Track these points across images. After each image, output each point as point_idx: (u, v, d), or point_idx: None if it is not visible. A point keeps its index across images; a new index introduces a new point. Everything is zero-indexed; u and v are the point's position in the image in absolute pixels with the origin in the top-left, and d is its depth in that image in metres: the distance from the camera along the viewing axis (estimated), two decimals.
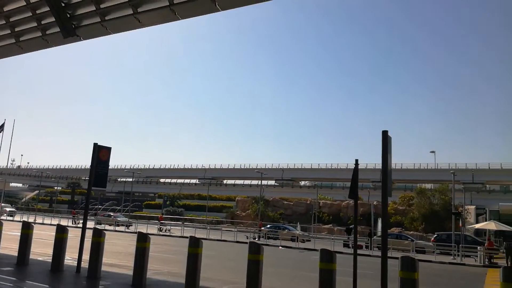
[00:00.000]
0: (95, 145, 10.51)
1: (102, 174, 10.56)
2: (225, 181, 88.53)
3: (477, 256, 24.52)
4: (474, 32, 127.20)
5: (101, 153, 10.52)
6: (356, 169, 6.97)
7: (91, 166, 10.36)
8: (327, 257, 6.82)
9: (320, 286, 6.91)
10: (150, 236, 9.38)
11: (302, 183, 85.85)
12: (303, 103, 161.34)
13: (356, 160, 6.96)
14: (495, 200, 54.77)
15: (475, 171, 64.06)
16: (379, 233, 39.31)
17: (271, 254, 21.16)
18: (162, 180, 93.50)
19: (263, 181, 61.17)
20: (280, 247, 27.11)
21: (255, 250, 7.63)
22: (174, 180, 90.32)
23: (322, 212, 57.59)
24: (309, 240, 33.79)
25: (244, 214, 60.81)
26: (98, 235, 9.58)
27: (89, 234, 9.69)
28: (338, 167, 77.58)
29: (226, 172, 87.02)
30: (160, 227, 36.63)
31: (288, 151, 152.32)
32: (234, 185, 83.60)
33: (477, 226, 33.09)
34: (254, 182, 78.78)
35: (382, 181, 6.12)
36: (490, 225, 29.24)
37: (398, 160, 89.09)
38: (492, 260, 23.12)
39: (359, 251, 25.75)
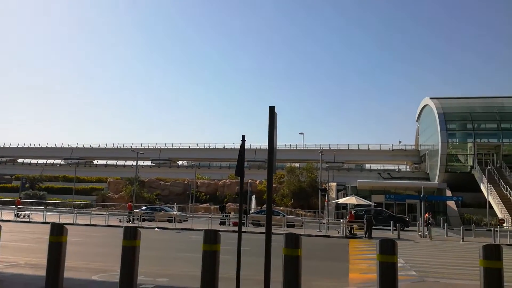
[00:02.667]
0: None
1: None
2: (95, 162, 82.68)
3: (340, 228, 27.02)
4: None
5: None
6: (242, 146, 6.70)
7: None
8: (211, 238, 6.47)
9: (203, 266, 6.54)
10: (4, 223, 7.91)
11: (180, 163, 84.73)
12: (179, 81, 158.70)
13: (243, 136, 6.69)
14: (353, 177, 61.19)
15: (337, 151, 70.49)
16: (253, 210, 40.88)
17: (147, 236, 20.26)
18: (20, 160, 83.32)
19: (139, 162, 58.61)
20: (156, 229, 26.24)
21: (131, 235, 6.90)
22: (35, 161, 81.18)
23: (200, 191, 57.70)
24: (187, 220, 33.50)
25: (117, 197, 57.71)
26: None
27: None
28: (216, 147, 78.29)
29: (97, 152, 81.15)
30: (18, 213, 32.58)
31: (166, 131, 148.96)
32: (106, 165, 78.51)
33: (340, 200, 36.43)
34: (129, 162, 75.11)
35: (268, 158, 5.96)
36: (351, 200, 32.45)
37: None
38: (352, 231, 25.67)
39: (233, 228, 26.43)
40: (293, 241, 6.05)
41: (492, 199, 43.60)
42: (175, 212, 35.09)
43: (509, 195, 43.66)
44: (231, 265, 9.37)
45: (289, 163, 66.35)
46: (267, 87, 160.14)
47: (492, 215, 41.71)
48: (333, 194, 50.09)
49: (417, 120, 70.48)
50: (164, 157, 78.76)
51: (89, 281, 8.46)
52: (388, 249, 5.80)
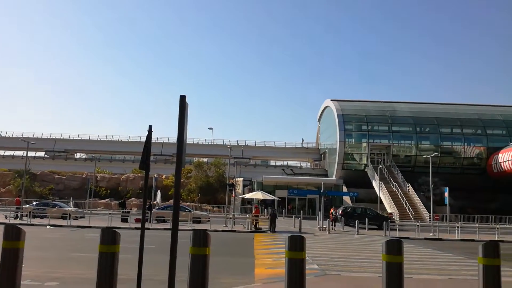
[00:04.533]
0: None
1: None
2: None
3: (245, 223, 27.25)
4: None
5: None
6: (149, 137, 6.15)
7: None
8: (110, 238, 5.84)
9: (98, 270, 5.89)
10: None
11: (78, 155, 78.94)
12: (83, 67, 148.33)
13: (150, 127, 6.15)
14: (259, 173, 62.53)
15: (244, 147, 71.50)
16: (158, 204, 39.54)
17: (37, 235, 18.37)
18: None
19: (30, 153, 53.30)
20: (48, 226, 23.96)
21: (13, 236, 5.97)
22: None
23: (100, 186, 54.36)
24: (84, 217, 31.15)
25: (4, 190, 51.96)
26: None
27: None
28: (120, 139, 74.38)
29: None
30: None
31: (64, 121, 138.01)
32: None
33: (247, 196, 36.82)
34: (19, 153, 68.01)
35: (177, 150, 5.53)
36: (258, 195, 32.94)
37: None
38: (257, 226, 26.05)
39: (136, 225, 25.18)
40: (201, 239, 5.70)
41: (383, 195, 47.61)
42: (70, 208, 32.48)
43: (397, 192, 48.05)
44: (133, 265, 8.72)
45: (197, 158, 65.62)
46: (176, 80, 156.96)
47: (382, 209, 45.56)
48: (239, 189, 50.64)
49: (319, 120, 74.32)
50: (60, 149, 72.82)
51: None
52: (296, 245, 5.74)
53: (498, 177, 53.08)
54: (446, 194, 30.11)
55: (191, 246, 5.69)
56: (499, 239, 23.64)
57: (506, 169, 50.49)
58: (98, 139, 74.51)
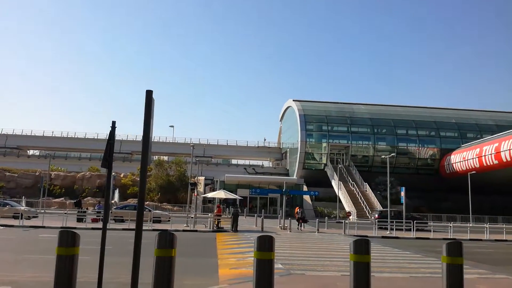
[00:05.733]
0: None
1: None
2: None
3: (207, 222, 26.96)
4: None
5: None
6: (112, 133, 5.85)
7: None
8: (68, 240, 5.51)
9: (56, 274, 5.56)
10: None
11: (31, 152, 75.39)
12: (37, 59, 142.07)
13: (113, 122, 5.85)
14: (221, 172, 62.22)
15: (206, 146, 70.95)
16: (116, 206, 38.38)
17: None
18: None
19: None
20: None
21: None
22: None
23: (54, 184, 52.16)
24: (37, 216, 29.72)
25: None
26: None
27: None
28: (76, 136, 71.72)
29: None
30: None
31: (16, 116, 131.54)
32: None
33: (209, 195, 36.44)
34: None
35: (143, 147, 5.29)
36: (220, 194, 32.66)
37: (138, 132, 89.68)
38: (219, 225, 25.82)
39: (94, 225, 24.30)
40: (167, 241, 5.50)
41: (341, 194, 48.65)
42: (22, 208, 30.88)
43: (355, 191, 49.23)
44: (91, 267, 8.35)
45: (157, 156, 64.41)
46: (134, 76, 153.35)
47: (341, 208, 46.54)
48: (201, 188, 50.09)
49: (281, 120, 74.92)
50: (12, 145, 69.31)
51: None
52: (265, 246, 5.66)
53: (450, 177, 55.60)
54: (403, 194, 31.09)
55: (156, 248, 5.47)
56: (451, 237, 24.68)
57: (458, 170, 52.95)
58: (53, 135, 71.52)
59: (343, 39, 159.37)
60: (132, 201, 43.39)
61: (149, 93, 5.45)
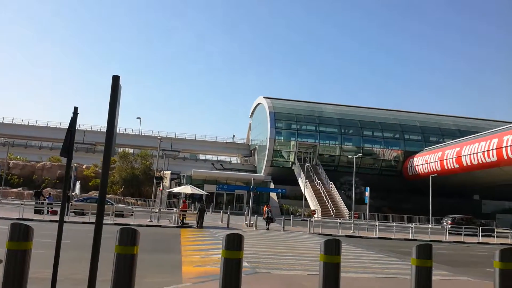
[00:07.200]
0: None
1: None
2: None
3: (172, 218, 26.42)
4: None
5: None
6: (74, 119, 5.43)
7: None
8: (21, 234, 5.06)
9: (6, 270, 5.10)
10: None
11: None
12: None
13: (76, 108, 5.42)
14: (188, 166, 61.43)
15: (174, 140, 69.84)
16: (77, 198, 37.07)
17: None
18: None
19: None
20: None
21: None
22: None
23: (12, 174, 49.93)
24: None
25: None
26: None
27: None
28: (37, 124, 68.91)
29: None
30: None
31: None
32: None
33: (176, 189, 35.77)
34: None
35: (106, 135, 4.92)
36: (186, 189, 32.09)
37: (103, 123, 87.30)
38: (184, 221, 25.35)
39: (52, 218, 23.27)
40: (129, 238, 5.15)
41: (307, 192, 49.07)
42: None
43: (321, 190, 49.79)
44: (46, 262, 7.86)
45: (122, 148, 62.80)
46: (101, 65, 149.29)
47: (306, 206, 46.93)
48: (167, 182, 49.26)
49: (251, 117, 74.78)
50: None
51: None
52: (234, 244, 5.42)
53: (412, 179, 57.21)
54: (367, 194, 31.62)
55: (117, 244, 5.12)
56: (412, 238, 25.28)
57: (420, 172, 54.54)
58: (13, 122, 68.48)
59: (316, 40, 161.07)
60: (94, 194, 42.09)
61: (115, 78, 5.07)
